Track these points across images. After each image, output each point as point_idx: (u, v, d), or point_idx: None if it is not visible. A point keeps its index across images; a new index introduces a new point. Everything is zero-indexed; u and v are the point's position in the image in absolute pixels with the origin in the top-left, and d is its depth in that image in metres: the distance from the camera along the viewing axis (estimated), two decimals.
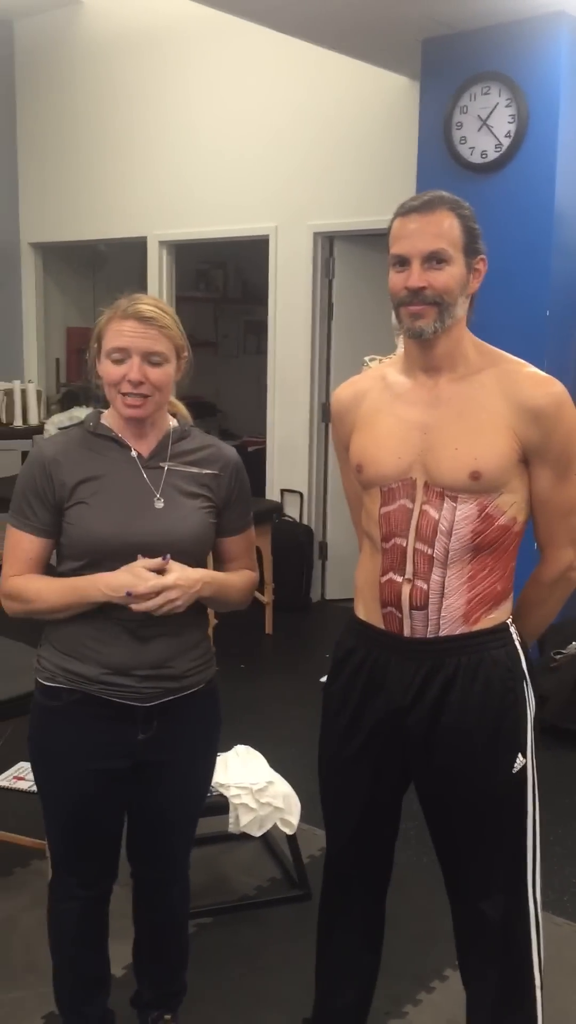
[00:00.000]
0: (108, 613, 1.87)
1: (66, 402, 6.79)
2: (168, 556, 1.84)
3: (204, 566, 1.96)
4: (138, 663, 1.88)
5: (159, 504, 1.89)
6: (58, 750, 1.95)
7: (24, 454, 6.30)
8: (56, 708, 1.92)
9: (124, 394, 1.85)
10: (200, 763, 2.06)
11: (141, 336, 1.83)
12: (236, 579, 2.00)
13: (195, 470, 1.94)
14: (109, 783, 1.94)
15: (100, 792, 1.95)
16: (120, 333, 1.84)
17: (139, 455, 1.91)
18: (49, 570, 1.94)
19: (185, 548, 1.89)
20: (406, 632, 1.83)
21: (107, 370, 1.86)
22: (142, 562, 1.83)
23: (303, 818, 2.89)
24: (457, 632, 1.81)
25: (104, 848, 2.03)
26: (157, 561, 1.83)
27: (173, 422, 1.98)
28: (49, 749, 1.96)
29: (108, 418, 1.95)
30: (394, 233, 1.77)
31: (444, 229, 1.73)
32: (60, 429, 1.97)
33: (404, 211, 1.76)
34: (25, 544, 1.90)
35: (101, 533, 1.85)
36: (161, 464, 1.92)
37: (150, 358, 1.84)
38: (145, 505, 1.88)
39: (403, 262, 1.75)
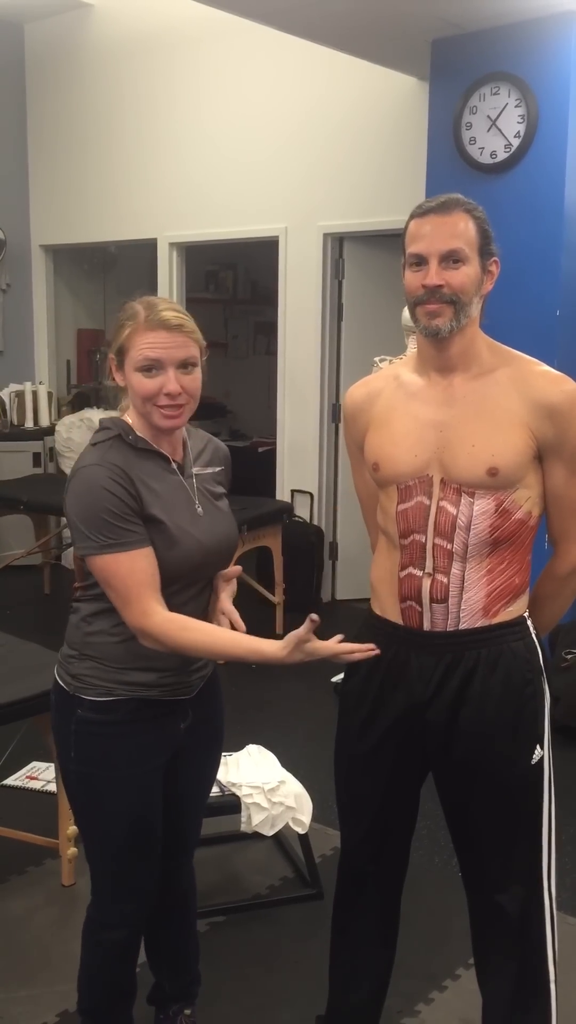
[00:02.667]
0: None
1: (77, 403, 6.81)
2: (316, 618, 1.68)
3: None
4: (190, 658, 1.89)
5: (200, 511, 1.88)
6: (121, 764, 1.89)
7: (36, 456, 6.33)
8: (113, 721, 1.87)
9: (162, 407, 1.81)
10: (215, 745, 2.11)
11: (173, 346, 1.78)
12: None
13: (210, 470, 1.96)
14: (159, 780, 1.95)
15: (157, 791, 1.94)
16: (152, 345, 1.77)
17: (178, 465, 1.90)
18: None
19: (233, 549, 1.94)
20: (426, 626, 1.85)
21: (139, 383, 1.80)
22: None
23: (315, 817, 2.90)
24: (477, 625, 1.83)
25: (158, 852, 1.99)
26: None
27: None
28: (112, 767, 1.89)
29: (135, 427, 1.87)
30: (411, 233, 1.79)
31: (461, 229, 1.75)
32: (92, 445, 1.88)
33: (421, 212, 1.78)
34: (141, 563, 1.75)
35: (179, 554, 1.81)
36: (192, 471, 1.92)
37: (184, 366, 1.80)
38: (195, 515, 1.87)
39: (421, 261, 1.77)
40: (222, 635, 1.81)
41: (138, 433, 1.85)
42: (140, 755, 1.90)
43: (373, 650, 1.72)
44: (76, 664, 1.89)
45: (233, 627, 1.86)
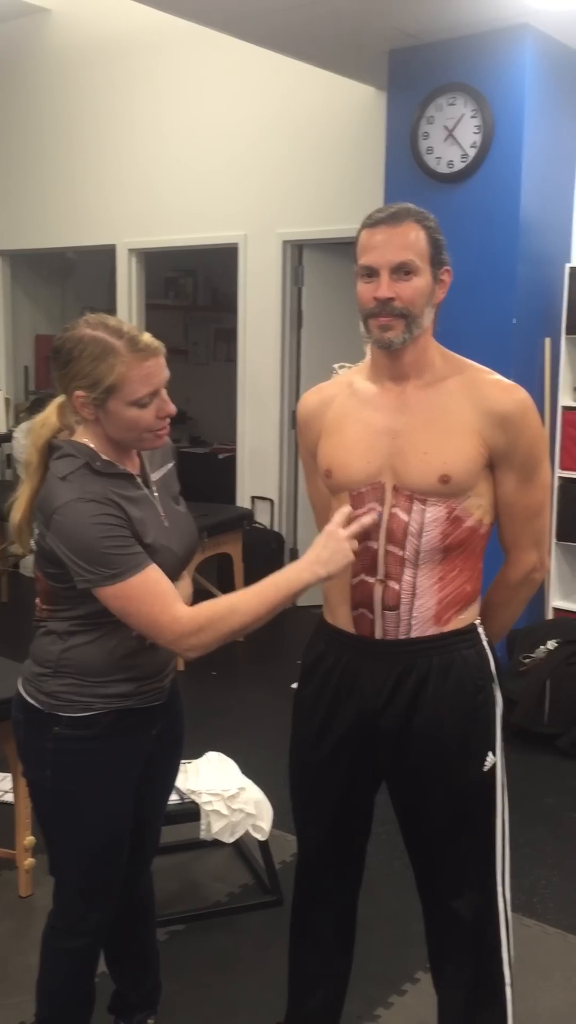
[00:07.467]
0: (129, 629, 1.81)
1: (34, 410, 6.72)
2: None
3: None
4: (164, 663, 1.92)
5: (166, 523, 1.88)
6: (101, 777, 1.88)
7: None
8: (93, 736, 1.86)
9: (157, 430, 1.81)
10: (178, 749, 2.11)
11: (162, 370, 1.79)
12: None
13: (165, 470, 1.96)
14: (134, 789, 1.95)
15: (131, 801, 1.95)
16: (150, 377, 1.76)
17: (143, 480, 1.89)
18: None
19: (196, 548, 1.98)
20: (378, 634, 1.85)
21: (137, 416, 1.77)
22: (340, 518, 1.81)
23: (275, 824, 2.89)
24: (428, 633, 1.84)
25: (124, 861, 1.99)
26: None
27: None
28: (92, 781, 1.88)
29: (97, 448, 1.82)
30: (362, 244, 1.79)
31: (411, 241, 1.75)
32: (61, 479, 1.79)
33: (372, 223, 1.78)
34: (153, 575, 1.74)
35: (164, 568, 1.80)
36: (152, 480, 1.91)
37: (166, 386, 1.82)
38: (164, 526, 1.88)
39: (372, 273, 1.77)
40: (249, 590, 1.81)
41: (102, 457, 1.81)
42: (119, 766, 1.91)
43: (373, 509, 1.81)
44: (50, 682, 1.85)
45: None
